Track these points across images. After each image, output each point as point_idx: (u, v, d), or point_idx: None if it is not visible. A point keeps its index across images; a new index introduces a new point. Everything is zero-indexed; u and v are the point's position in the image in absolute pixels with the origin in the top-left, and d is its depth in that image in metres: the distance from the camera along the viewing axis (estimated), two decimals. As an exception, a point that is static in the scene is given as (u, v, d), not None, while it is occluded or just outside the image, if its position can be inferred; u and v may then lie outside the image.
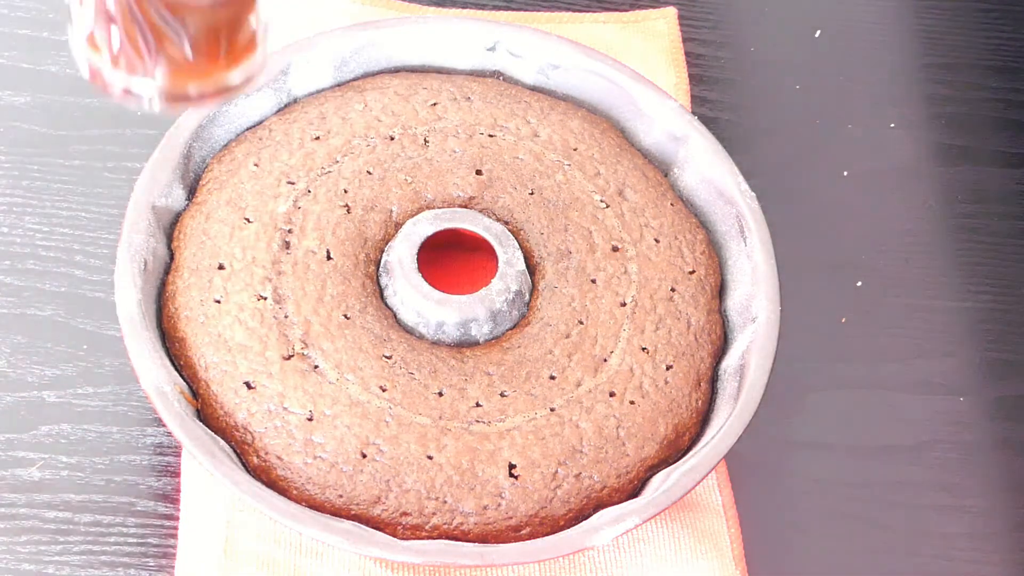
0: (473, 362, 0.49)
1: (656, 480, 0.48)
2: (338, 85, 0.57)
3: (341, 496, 0.46)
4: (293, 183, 0.52)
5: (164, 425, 0.46)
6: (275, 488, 0.46)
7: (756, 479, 0.54)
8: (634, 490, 0.49)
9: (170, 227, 0.52)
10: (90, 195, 0.57)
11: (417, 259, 0.50)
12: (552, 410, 0.48)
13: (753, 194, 0.54)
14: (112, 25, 0.35)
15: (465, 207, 0.53)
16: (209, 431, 0.46)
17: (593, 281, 0.52)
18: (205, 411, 0.48)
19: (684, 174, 0.56)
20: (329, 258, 0.50)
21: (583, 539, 0.45)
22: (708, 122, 0.58)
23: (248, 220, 0.51)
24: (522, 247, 0.53)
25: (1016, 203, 0.65)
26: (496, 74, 0.58)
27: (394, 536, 0.46)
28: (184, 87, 0.36)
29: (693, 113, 0.58)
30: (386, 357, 0.48)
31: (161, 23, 0.34)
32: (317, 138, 0.53)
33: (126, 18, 0.35)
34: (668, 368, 0.50)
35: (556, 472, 0.47)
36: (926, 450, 0.57)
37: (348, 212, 0.52)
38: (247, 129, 0.55)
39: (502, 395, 0.48)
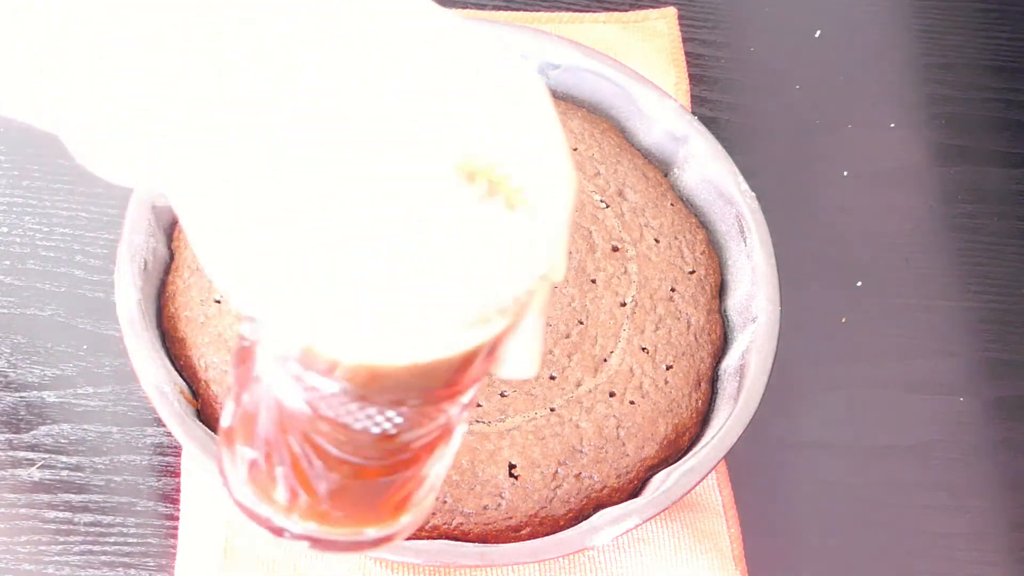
0: (473, 362, 0.49)
1: (656, 480, 0.48)
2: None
3: (341, 496, 0.46)
4: (293, 183, 0.52)
5: (164, 425, 0.46)
6: (275, 488, 0.46)
7: (756, 479, 0.54)
8: (634, 490, 0.49)
9: (170, 227, 0.52)
10: (90, 195, 0.57)
11: (417, 259, 0.50)
12: (552, 410, 0.48)
13: (753, 194, 0.54)
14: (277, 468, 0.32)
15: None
16: (209, 431, 0.46)
17: (593, 281, 0.52)
18: (205, 411, 0.48)
19: (684, 174, 0.56)
20: (329, 258, 0.50)
21: (583, 539, 0.45)
22: (708, 122, 0.58)
23: (248, 220, 0.51)
24: (522, 247, 0.52)
25: (1016, 203, 0.65)
26: (496, 74, 0.58)
27: (394, 536, 0.46)
28: (328, 533, 0.33)
29: (693, 113, 0.58)
30: (386, 357, 0.48)
31: (307, 466, 0.32)
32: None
33: (288, 462, 0.32)
34: (668, 368, 0.50)
35: (556, 472, 0.47)
36: (926, 450, 0.56)
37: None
38: (247, 129, 0.55)
39: (502, 395, 0.48)
